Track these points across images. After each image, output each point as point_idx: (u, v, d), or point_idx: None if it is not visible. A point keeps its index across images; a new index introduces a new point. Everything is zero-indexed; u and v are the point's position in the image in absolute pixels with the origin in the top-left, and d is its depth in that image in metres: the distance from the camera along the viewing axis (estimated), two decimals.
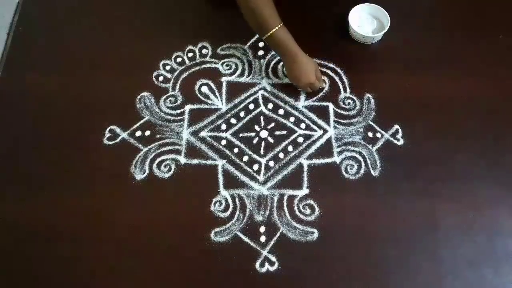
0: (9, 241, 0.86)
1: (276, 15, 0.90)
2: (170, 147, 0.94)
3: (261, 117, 0.98)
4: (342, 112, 0.99)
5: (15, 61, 1.05)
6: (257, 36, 1.07)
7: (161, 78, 1.02)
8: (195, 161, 0.93)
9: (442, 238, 0.86)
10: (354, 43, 1.07)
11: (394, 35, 1.05)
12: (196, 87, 1.01)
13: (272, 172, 0.92)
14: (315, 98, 1.00)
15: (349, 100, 1.00)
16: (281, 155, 0.94)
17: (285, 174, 0.92)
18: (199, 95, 1.00)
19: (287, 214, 0.88)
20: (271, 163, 0.93)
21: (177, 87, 1.01)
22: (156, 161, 0.92)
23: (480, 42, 1.08)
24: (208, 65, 1.04)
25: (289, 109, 0.99)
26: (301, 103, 1.00)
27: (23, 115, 0.98)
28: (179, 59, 1.05)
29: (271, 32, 0.90)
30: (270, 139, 0.96)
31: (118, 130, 0.96)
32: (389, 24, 1.03)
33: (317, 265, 0.84)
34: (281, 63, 1.04)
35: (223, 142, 0.95)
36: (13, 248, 0.85)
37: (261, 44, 1.07)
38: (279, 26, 0.90)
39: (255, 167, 0.93)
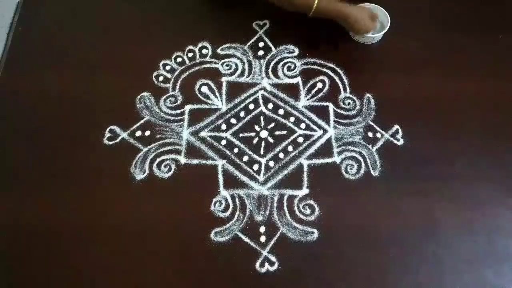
0: (8, 240, 0.86)
1: None
2: (170, 147, 0.94)
3: (261, 117, 0.98)
4: (342, 112, 0.99)
5: (15, 61, 1.05)
6: (257, 36, 1.08)
7: (161, 78, 1.02)
8: (195, 161, 0.93)
9: (442, 238, 0.86)
10: (354, 43, 1.07)
11: (394, 35, 1.05)
12: (196, 87, 1.01)
13: (272, 172, 0.92)
14: (315, 98, 1.00)
15: (349, 100, 1.00)
16: (281, 155, 0.94)
17: (285, 174, 0.92)
18: (199, 95, 1.00)
19: (287, 214, 0.88)
20: (271, 163, 0.93)
21: (177, 87, 1.01)
22: (156, 161, 0.92)
23: (480, 42, 1.08)
24: (208, 65, 1.04)
25: (289, 109, 0.99)
26: (301, 103, 1.00)
27: (23, 115, 0.98)
28: (179, 59, 1.05)
29: (313, 9, 0.94)
30: (270, 139, 0.96)
31: (118, 130, 0.96)
32: (389, 24, 1.03)
33: (317, 265, 0.84)
34: (281, 63, 1.04)
35: (223, 142, 0.95)
36: (12, 248, 0.85)
37: (261, 44, 1.07)
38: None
39: (255, 167, 0.93)
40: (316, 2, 0.93)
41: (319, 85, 1.02)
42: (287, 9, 0.98)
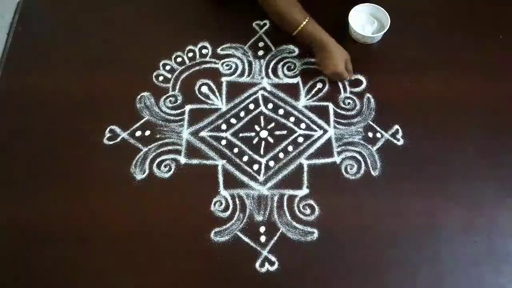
0: (8, 241, 0.86)
1: (301, 10, 0.95)
2: (170, 147, 0.94)
3: (261, 117, 0.98)
4: (342, 112, 0.99)
5: (15, 61, 1.05)
6: (257, 36, 1.08)
7: (161, 78, 1.02)
8: (195, 161, 0.93)
9: (442, 238, 0.86)
10: (354, 43, 1.07)
11: (394, 35, 1.05)
12: (196, 87, 1.01)
13: (272, 172, 0.92)
14: (315, 98, 1.00)
15: (349, 100, 1.00)
16: (281, 155, 0.94)
17: (285, 174, 0.92)
18: (199, 95, 1.00)
19: (287, 214, 0.88)
20: (271, 163, 0.93)
21: (177, 87, 1.01)
22: (156, 161, 0.92)
23: (480, 42, 1.08)
24: (208, 65, 1.04)
25: (289, 109, 0.99)
26: (301, 103, 1.00)
27: (23, 115, 0.98)
28: (179, 59, 1.05)
29: (299, 28, 0.93)
30: (270, 139, 0.96)
31: (118, 130, 0.96)
32: (389, 24, 1.03)
33: (317, 265, 0.84)
34: (281, 63, 1.04)
35: (223, 142, 0.95)
36: (12, 248, 0.85)
37: (261, 44, 1.07)
38: (306, 20, 0.93)
39: (255, 167, 0.93)
40: (305, 21, 0.93)
41: (319, 85, 1.02)
42: (274, 21, 0.99)
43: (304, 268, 0.84)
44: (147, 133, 0.96)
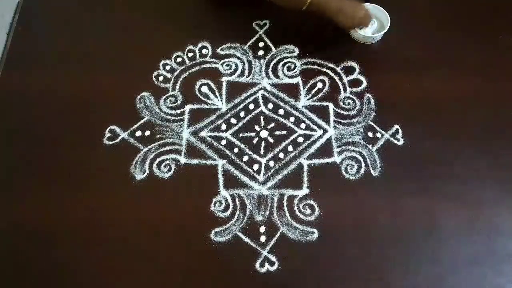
0: (9, 241, 0.86)
1: None
2: (170, 147, 0.94)
3: (261, 117, 0.98)
4: (342, 112, 0.99)
5: (15, 61, 1.05)
6: (257, 36, 1.08)
7: (161, 78, 1.02)
8: (195, 161, 0.93)
9: (442, 238, 0.86)
10: (354, 43, 1.07)
11: (394, 35, 1.05)
12: (196, 87, 1.01)
13: (272, 172, 0.92)
14: (315, 98, 1.00)
15: (349, 100, 1.00)
16: (281, 155, 0.94)
17: (285, 174, 0.92)
18: (199, 95, 1.00)
19: (287, 214, 0.88)
20: (271, 163, 0.93)
21: (177, 87, 1.01)
22: (156, 161, 0.92)
23: (480, 42, 1.08)
24: (208, 65, 1.04)
25: (289, 109, 0.99)
26: (301, 103, 1.00)
27: (23, 115, 0.98)
28: (179, 59, 1.05)
29: (308, 2, 0.92)
30: (270, 139, 0.96)
31: (118, 130, 0.96)
32: (389, 24, 1.03)
33: (317, 265, 0.84)
34: (281, 63, 1.04)
35: (223, 142, 0.95)
36: (13, 248, 0.85)
37: (261, 44, 1.07)
38: None
39: (255, 167, 0.93)
40: None
41: (319, 85, 1.02)
42: (279, 4, 0.98)
43: (304, 268, 0.84)
44: (147, 133, 0.96)
